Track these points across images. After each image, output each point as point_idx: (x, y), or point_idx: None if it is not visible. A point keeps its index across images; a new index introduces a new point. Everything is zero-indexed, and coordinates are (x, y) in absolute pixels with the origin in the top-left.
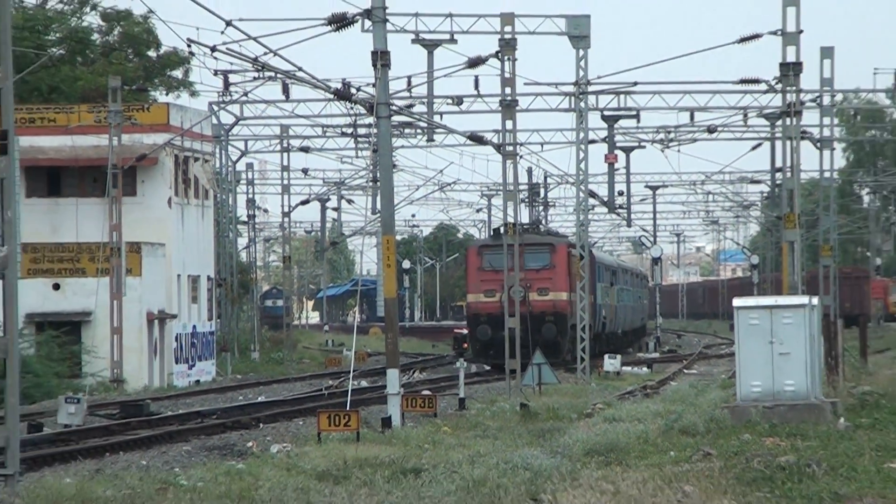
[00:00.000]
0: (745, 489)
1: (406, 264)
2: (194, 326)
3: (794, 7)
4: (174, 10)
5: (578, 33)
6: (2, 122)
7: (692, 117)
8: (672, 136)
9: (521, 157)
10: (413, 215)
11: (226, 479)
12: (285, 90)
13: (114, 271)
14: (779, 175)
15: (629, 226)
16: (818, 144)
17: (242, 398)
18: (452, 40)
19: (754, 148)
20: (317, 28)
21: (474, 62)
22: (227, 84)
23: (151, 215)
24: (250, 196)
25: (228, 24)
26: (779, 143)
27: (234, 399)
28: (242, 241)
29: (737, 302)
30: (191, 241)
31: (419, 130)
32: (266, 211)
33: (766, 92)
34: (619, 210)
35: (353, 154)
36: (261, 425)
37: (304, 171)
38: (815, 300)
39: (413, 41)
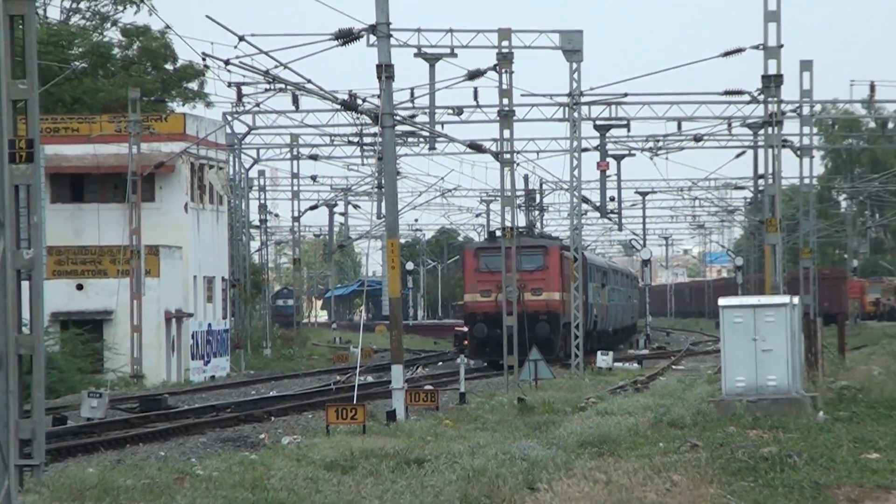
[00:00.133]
0: (730, 478)
1: (409, 266)
2: (209, 325)
3: (775, 23)
4: (190, 25)
5: (572, 47)
6: (28, 131)
7: (679, 127)
8: (660, 144)
9: (517, 164)
10: (416, 220)
11: (239, 469)
12: (295, 101)
13: (133, 272)
14: (761, 181)
15: (620, 229)
16: (798, 152)
17: (255, 393)
18: (453, 54)
19: (738, 156)
20: (325, 42)
21: (473, 75)
22: (240, 95)
23: (169, 220)
24: (262, 202)
25: (241, 39)
26: (761, 152)
27: (247, 393)
28: (255, 244)
29: (722, 301)
30: (206, 244)
31: (422, 139)
32: (277, 216)
33: (749, 103)
34: (611, 214)
35: (360, 162)
36: (272, 418)
37: (313, 177)
38: (796, 300)
39: (416, 55)
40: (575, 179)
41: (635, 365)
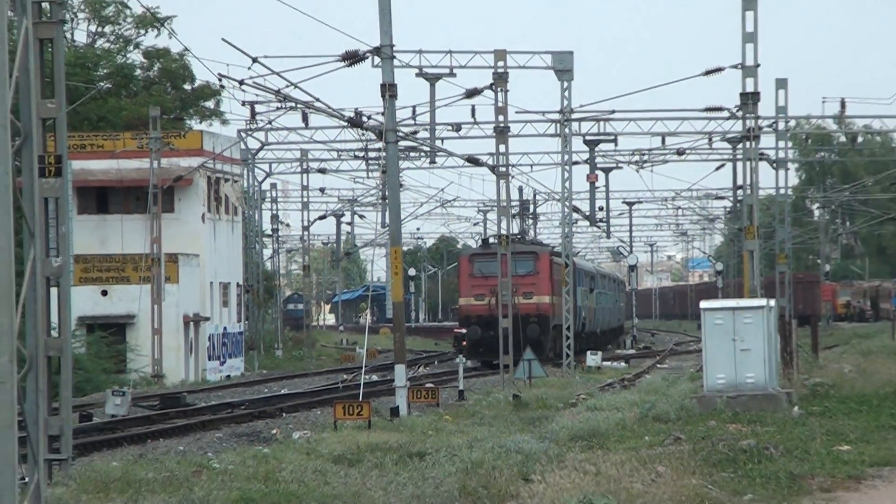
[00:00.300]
0: (711, 469)
1: (412, 272)
2: (225, 327)
3: (753, 44)
4: (207, 48)
5: (563, 67)
6: (56, 147)
7: (664, 141)
8: (646, 157)
9: (512, 176)
10: (418, 229)
11: (253, 462)
12: (305, 119)
13: (154, 279)
14: (740, 192)
15: (608, 237)
16: (774, 165)
17: (268, 391)
18: (452, 74)
19: (718, 168)
20: (332, 63)
21: (471, 93)
22: (253, 113)
23: (187, 230)
24: (274, 212)
25: (255, 60)
26: (740, 164)
27: (260, 392)
28: (267, 252)
29: (703, 304)
30: (222, 252)
31: (423, 154)
32: (288, 225)
33: (728, 118)
34: (600, 223)
35: (365, 175)
36: (284, 415)
37: (322, 190)
38: (772, 302)
39: (417, 75)
40: (566, 191)
41: (623, 364)
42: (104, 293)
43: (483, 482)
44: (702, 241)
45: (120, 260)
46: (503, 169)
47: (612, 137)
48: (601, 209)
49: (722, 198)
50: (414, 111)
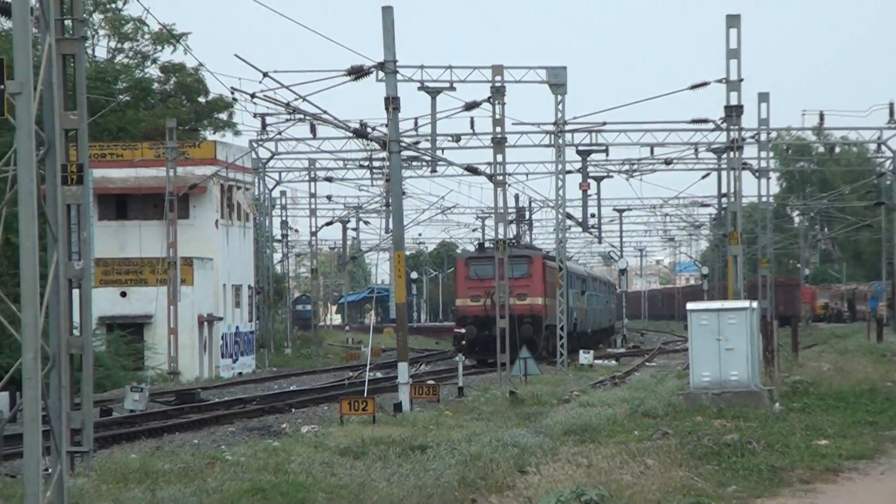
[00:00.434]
0: (697, 462)
1: (414, 275)
2: (237, 327)
3: (736, 60)
4: (220, 63)
5: (557, 81)
6: (78, 157)
7: (652, 151)
8: (635, 167)
9: (509, 185)
10: (419, 234)
11: (264, 454)
12: (312, 130)
13: (170, 281)
14: (724, 199)
15: (600, 242)
16: (756, 174)
17: (277, 387)
18: (452, 88)
19: (704, 177)
20: (339, 78)
21: (470, 106)
22: (264, 125)
23: (201, 235)
24: (284, 218)
25: (265, 74)
26: (724, 173)
27: (270, 388)
28: (277, 256)
29: (690, 306)
30: (234, 256)
31: (424, 163)
32: (297, 231)
33: (713, 130)
34: (592, 229)
35: (369, 183)
36: (293, 410)
37: (329, 197)
38: (755, 304)
39: (419, 89)
40: (560, 198)
41: (613, 362)
42: (123, 294)
43: (481, 474)
44: (688, 247)
45: (138, 263)
46: (500, 177)
47: (604, 148)
48: (593, 216)
49: (707, 205)
50: (416, 123)
